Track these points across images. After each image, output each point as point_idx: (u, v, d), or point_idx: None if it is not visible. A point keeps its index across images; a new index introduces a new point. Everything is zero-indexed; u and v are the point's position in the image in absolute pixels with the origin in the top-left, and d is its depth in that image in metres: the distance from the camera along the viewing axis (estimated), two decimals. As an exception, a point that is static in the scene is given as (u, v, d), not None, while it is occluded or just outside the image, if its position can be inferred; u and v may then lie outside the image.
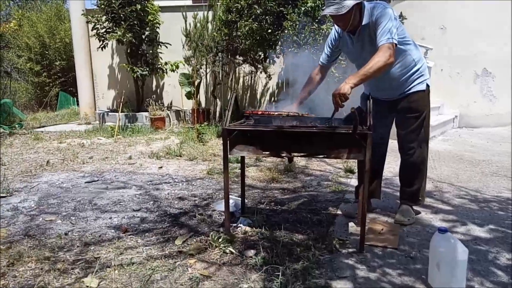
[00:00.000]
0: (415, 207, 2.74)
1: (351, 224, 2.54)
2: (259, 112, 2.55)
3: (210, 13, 7.26)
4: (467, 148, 5.23)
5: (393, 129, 2.76)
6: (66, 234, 2.46)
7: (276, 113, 2.49)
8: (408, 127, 2.59)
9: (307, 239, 2.33)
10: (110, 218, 2.76)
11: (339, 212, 2.83)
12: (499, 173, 3.95)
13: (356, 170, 3.89)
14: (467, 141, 5.78)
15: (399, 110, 2.60)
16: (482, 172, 4.00)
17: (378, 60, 2.22)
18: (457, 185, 3.51)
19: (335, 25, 2.53)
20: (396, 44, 2.26)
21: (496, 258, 2.11)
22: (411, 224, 2.57)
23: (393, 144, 2.75)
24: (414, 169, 2.66)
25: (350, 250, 2.21)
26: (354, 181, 3.59)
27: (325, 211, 2.86)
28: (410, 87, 2.53)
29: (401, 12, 4.88)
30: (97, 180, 3.75)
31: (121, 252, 2.20)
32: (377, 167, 2.77)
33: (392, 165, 4.10)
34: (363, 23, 2.37)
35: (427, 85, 2.59)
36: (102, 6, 7.05)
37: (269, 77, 7.49)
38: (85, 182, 3.67)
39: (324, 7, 2.36)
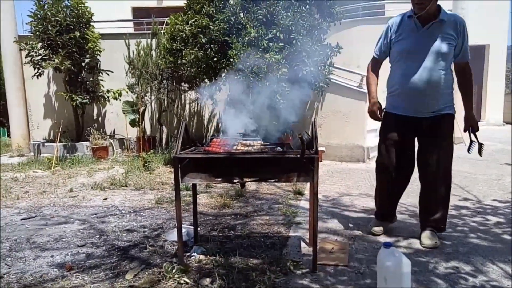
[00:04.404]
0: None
1: (303, 245, 2.60)
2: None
3: (154, 41, 7.24)
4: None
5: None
6: (1, 277, 2.25)
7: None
8: (437, 151, 2.57)
9: (262, 263, 2.35)
10: (52, 256, 2.58)
11: (291, 234, 2.89)
12: (432, 188, 4.27)
13: (305, 192, 4.03)
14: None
15: (431, 130, 2.56)
16: (418, 187, 4.30)
17: (471, 78, 2.61)
18: (397, 202, 3.73)
19: (413, 6, 2.49)
20: None
21: (436, 268, 2.27)
22: (437, 247, 2.56)
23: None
24: (439, 196, 2.65)
25: (304, 270, 2.26)
26: (303, 203, 3.70)
27: (277, 234, 2.90)
28: (444, 106, 2.55)
29: (337, 42, 5.23)
30: (35, 216, 3.49)
31: (66, 292, 2.06)
32: (397, 189, 2.86)
33: (337, 186, 4.30)
34: (440, 18, 2.46)
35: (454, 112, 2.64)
36: (37, 32, 6.73)
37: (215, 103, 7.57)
38: (21, 219, 3.39)
39: None
